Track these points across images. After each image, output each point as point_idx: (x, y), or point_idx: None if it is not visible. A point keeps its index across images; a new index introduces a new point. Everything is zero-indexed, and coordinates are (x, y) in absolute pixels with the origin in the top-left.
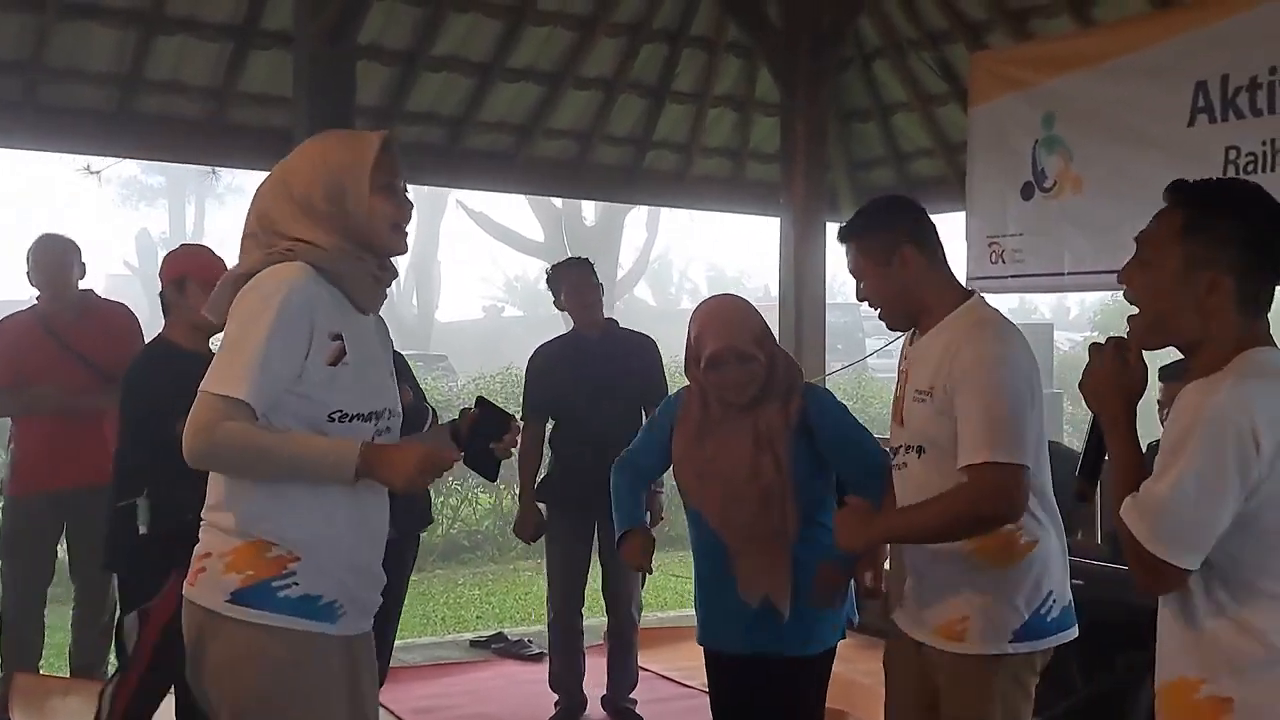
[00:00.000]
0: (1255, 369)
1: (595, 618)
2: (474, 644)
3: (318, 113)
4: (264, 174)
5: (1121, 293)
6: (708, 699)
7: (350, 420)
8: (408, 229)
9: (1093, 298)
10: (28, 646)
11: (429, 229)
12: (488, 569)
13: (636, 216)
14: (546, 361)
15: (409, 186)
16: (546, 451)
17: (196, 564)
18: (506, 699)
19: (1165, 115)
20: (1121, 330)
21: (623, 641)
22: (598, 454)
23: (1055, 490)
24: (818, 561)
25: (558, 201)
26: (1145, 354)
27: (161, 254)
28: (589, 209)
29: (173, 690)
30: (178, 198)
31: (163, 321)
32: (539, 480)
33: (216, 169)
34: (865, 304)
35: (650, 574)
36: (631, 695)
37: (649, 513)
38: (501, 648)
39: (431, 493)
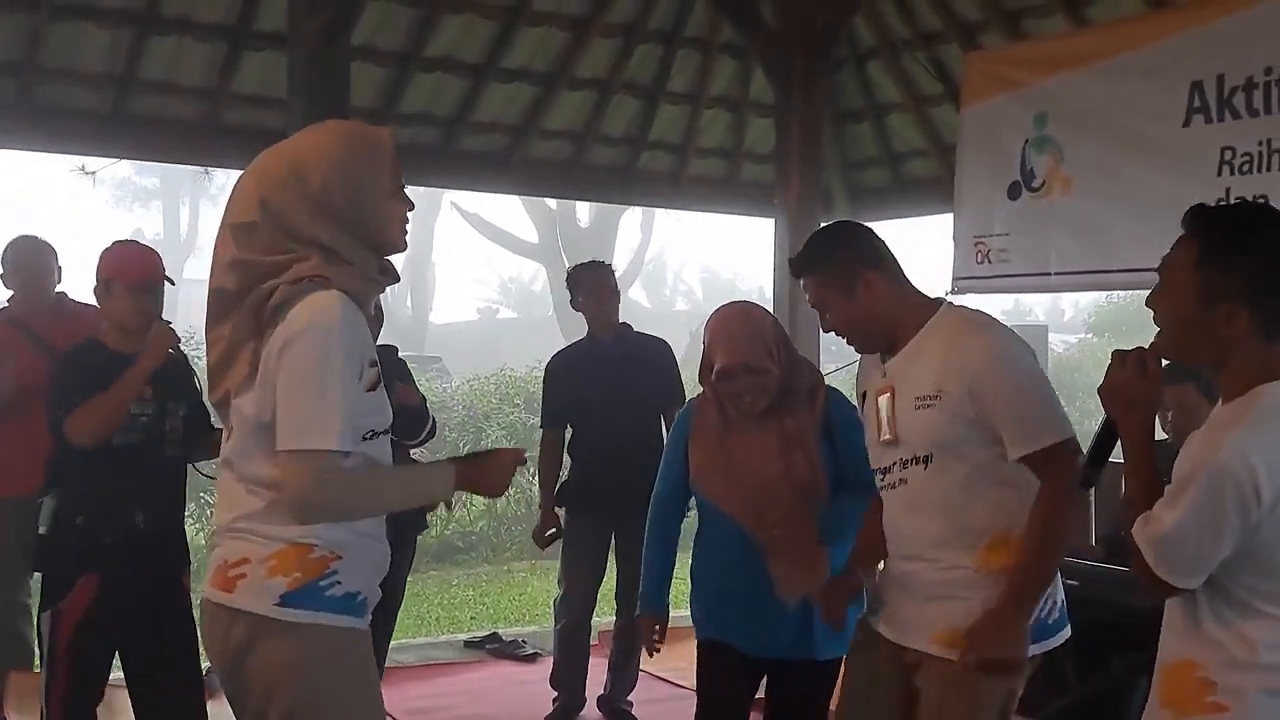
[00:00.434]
0: (1266, 412)
1: (595, 616)
2: (468, 644)
3: (312, 114)
4: None
5: (1111, 294)
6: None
7: (378, 437)
8: None
9: (1087, 300)
10: (24, 644)
11: (423, 230)
12: (482, 570)
13: (631, 218)
14: (562, 368)
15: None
16: (566, 460)
17: (229, 571)
18: (502, 699)
19: (1161, 115)
20: (1122, 331)
21: (628, 645)
22: (615, 458)
23: None
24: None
25: (552, 203)
26: None
27: None
28: (583, 210)
29: (130, 694)
30: (172, 199)
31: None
32: (557, 486)
33: (210, 170)
34: (832, 333)
35: (658, 653)
36: (628, 697)
37: None
38: (496, 648)
39: None
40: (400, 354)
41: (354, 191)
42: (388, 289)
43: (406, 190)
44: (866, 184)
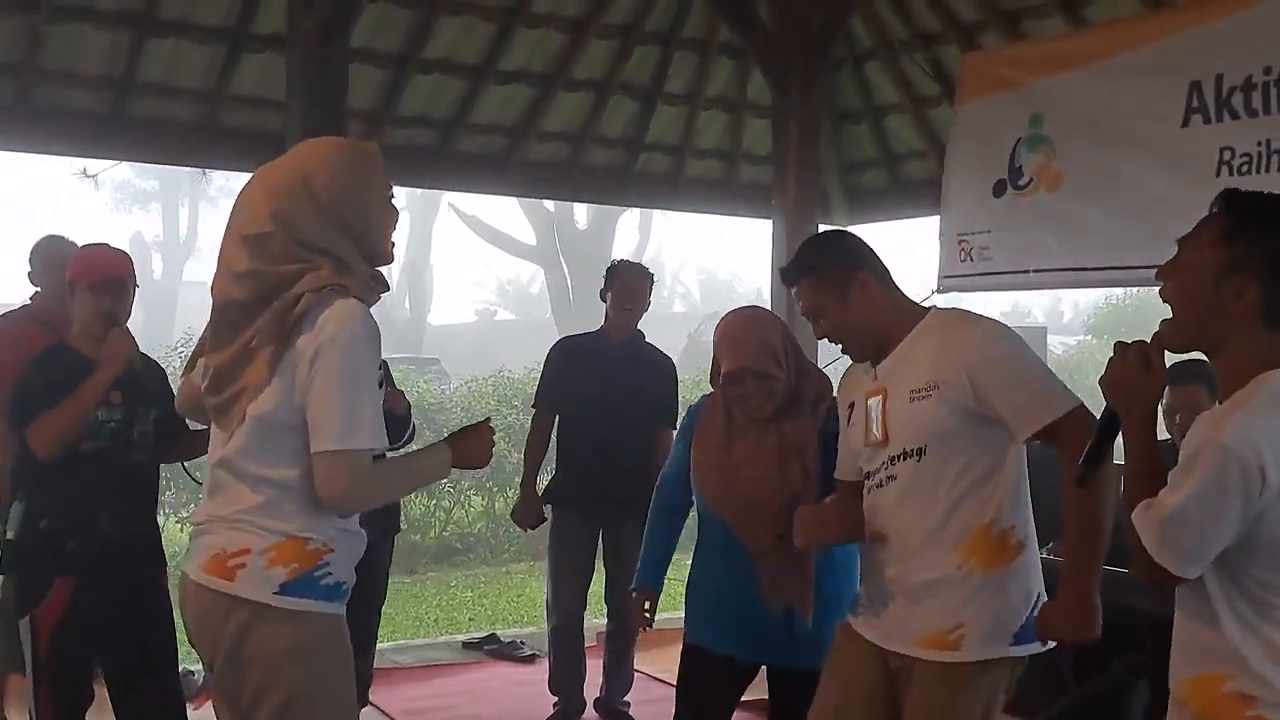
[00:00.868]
0: (1272, 398)
1: (590, 619)
2: (466, 645)
3: (310, 116)
4: None
5: (1111, 296)
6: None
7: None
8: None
9: (1086, 302)
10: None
11: (421, 232)
12: (480, 571)
13: (629, 219)
14: (566, 353)
15: (398, 190)
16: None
17: (228, 560)
18: (501, 700)
19: (1159, 116)
20: (1121, 333)
21: (621, 646)
22: (602, 457)
23: (1047, 490)
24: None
25: (550, 204)
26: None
27: (154, 258)
28: (581, 212)
29: (111, 699)
30: (171, 201)
31: (154, 322)
32: (546, 483)
33: (208, 171)
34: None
35: (649, 629)
36: (625, 698)
37: None
38: (494, 649)
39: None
40: (397, 356)
41: (360, 202)
42: (381, 295)
43: (402, 193)
44: (864, 185)
